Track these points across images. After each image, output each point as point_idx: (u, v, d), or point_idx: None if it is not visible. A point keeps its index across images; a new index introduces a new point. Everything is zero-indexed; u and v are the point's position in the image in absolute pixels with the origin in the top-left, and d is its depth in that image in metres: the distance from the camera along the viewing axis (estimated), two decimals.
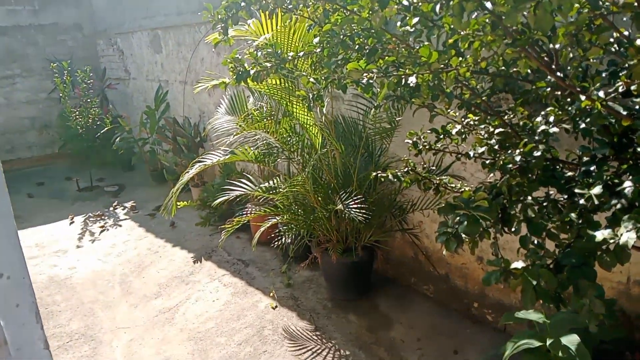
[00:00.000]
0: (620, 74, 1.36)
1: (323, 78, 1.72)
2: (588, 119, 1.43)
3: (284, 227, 3.42)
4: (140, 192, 6.27)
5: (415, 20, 1.51)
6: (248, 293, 3.65)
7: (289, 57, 1.99)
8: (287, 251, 3.88)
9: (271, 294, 3.58)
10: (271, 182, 3.39)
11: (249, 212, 3.70)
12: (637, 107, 1.34)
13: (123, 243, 4.78)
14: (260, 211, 3.40)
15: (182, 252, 4.46)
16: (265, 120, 3.13)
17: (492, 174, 1.86)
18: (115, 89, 7.34)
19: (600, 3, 1.08)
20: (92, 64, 7.59)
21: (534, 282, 1.30)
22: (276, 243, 3.52)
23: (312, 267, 3.75)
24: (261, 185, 3.38)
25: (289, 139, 3.21)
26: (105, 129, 6.34)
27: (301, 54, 1.97)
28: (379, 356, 2.82)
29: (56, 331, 3.36)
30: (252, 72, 2.00)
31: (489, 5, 1.22)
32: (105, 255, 4.54)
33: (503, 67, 1.67)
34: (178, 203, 3.36)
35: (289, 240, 3.53)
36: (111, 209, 5.74)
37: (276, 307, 3.43)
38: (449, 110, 1.94)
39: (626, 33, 1.26)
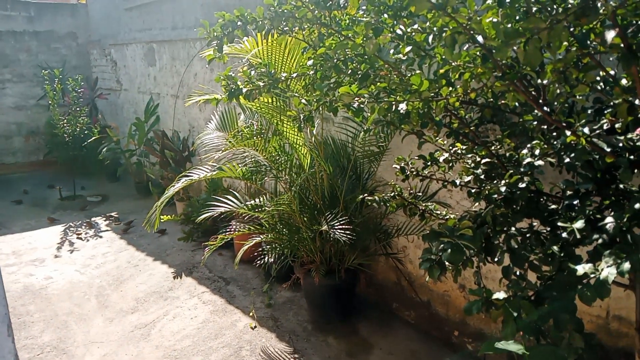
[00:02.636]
0: (605, 112, 1.40)
1: (315, 100, 1.74)
2: (573, 154, 1.46)
3: (268, 246, 3.40)
4: (123, 204, 6.19)
5: (408, 49, 1.54)
6: (227, 312, 3.59)
7: (282, 78, 2.00)
8: (269, 271, 3.84)
9: (251, 314, 3.53)
10: (257, 200, 3.38)
11: (233, 229, 3.67)
12: (620, 144, 1.37)
13: (102, 255, 4.69)
14: (245, 229, 3.38)
15: (162, 267, 4.39)
16: (255, 138, 3.13)
17: (477, 203, 1.88)
18: (106, 99, 7.31)
19: (588, 42, 1.12)
20: (84, 73, 7.58)
21: (515, 314, 1.30)
22: (259, 262, 3.49)
23: (294, 288, 3.71)
24: (247, 203, 3.37)
25: (277, 157, 3.21)
26: (93, 138, 6.29)
27: (294, 75, 1.99)
28: None
29: (27, 342, 3.26)
30: (244, 90, 2.01)
31: (480, 38, 1.25)
32: (84, 267, 4.44)
33: (492, 99, 1.70)
34: (162, 217, 3.32)
35: (272, 260, 3.49)
36: (93, 219, 5.65)
37: (255, 327, 3.38)
38: (437, 138, 1.97)
39: (612, 72, 1.30)
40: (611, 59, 1.82)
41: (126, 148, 6.38)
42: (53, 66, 7.37)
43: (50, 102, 6.40)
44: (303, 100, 1.84)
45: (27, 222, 5.57)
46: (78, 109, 6.42)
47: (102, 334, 3.37)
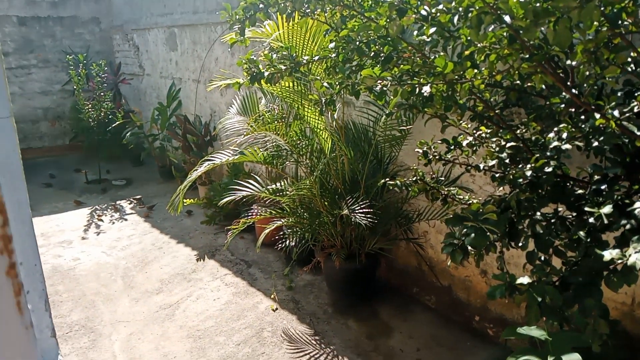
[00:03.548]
0: (636, 94, 1.36)
1: (337, 83, 1.73)
2: (601, 138, 1.43)
3: (289, 230, 3.43)
4: (147, 187, 6.30)
5: (432, 30, 1.51)
6: (249, 294, 3.65)
7: (304, 61, 2.00)
8: (290, 254, 3.88)
9: (272, 296, 3.58)
10: (278, 184, 3.40)
11: (254, 213, 3.70)
12: None
13: (128, 237, 4.80)
14: (266, 213, 3.41)
15: (185, 249, 4.47)
16: (276, 122, 3.14)
17: (501, 188, 1.85)
18: (129, 84, 7.40)
19: (620, 22, 1.08)
20: (107, 58, 7.67)
21: (539, 299, 1.29)
22: (280, 245, 3.52)
23: (314, 271, 3.74)
24: (268, 187, 3.39)
25: (298, 142, 3.22)
26: (117, 123, 6.38)
27: (316, 58, 1.98)
28: None
29: (57, 321, 3.37)
30: (266, 73, 2.01)
31: (507, 19, 1.22)
32: (110, 249, 4.56)
33: (518, 81, 1.66)
34: (185, 200, 3.37)
35: (293, 244, 3.52)
36: (118, 202, 5.77)
37: (277, 309, 3.43)
38: (461, 122, 1.94)
39: None
40: None
41: (149, 133, 6.47)
42: (77, 51, 7.47)
43: (75, 87, 6.50)
44: (325, 84, 1.83)
45: (55, 205, 5.72)
46: (102, 94, 6.51)
47: (128, 314, 3.46)
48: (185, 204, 3.52)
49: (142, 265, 4.19)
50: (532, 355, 2.02)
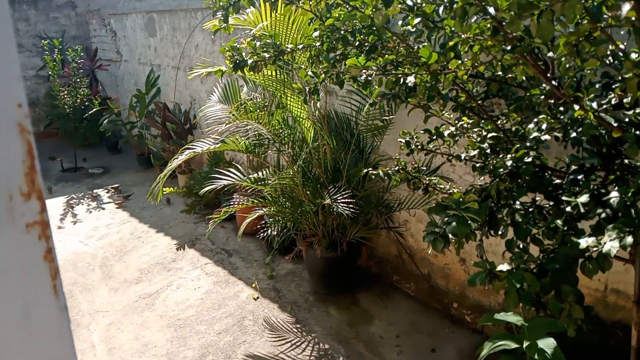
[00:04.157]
0: (614, 86, 1.39)
1: (322, 72, 1.73)
2: (579, 129, 1.46)
3: (271, 219, 3.43)
4: (125, 176, 6.20)
5: (417, 20, 1.52)
6: (230, 283, 3.65)
7: (288, 49, 1.99)
8: (271, 243, 3.88)
9: (253, 285, 3.58)
10: (260, 173, 3.39)
11: (235, 202, 3.69)
12: (627, 119, 1.37)
13: (105, 226, 4.73)
14: (248, 202, 3.40)
15: (165, 239, 4.44)
16: (258, 111, 3.12)
17: (481, 177, 1.89)
18: (106, 70, 7.24)
19: (601, 15, 1.11)
20: (83, 43, 7.48)
21: (518, 285, 1.33)
22: (261, 235, 3.52)
23: (296, 260, 3.76)
24: (250, 176, 3.38)
25: (280, 131, 3.21)
26: (94, 110, 6.25)
27: (300, 46, 1.97)
28: (357, 351, 2.85)
29: None
30: (249, 61, 2.00)
31: (491, 10, 1.24)
32: (87, 238, 4.49)
33: (499, 73, 1.69)
34: (164, 189, 3.34)
35: (275, 233, 3.53)
36: (95, 191, 5.67)
37: (258, 298, 3.44)
38: (443, 112, 1.96)
39: (622, 46, 1.29)
40: (622, 32, 1.81)
41: (127, 120, 6.35)
42: (52, 36, 7.26)
43: (50, 72, 6.33)
44: (309, 72, 1.83)
45: None
46: (78, 80, 6.36)
47: (107, 304, 3.43)
48: (165, 193, 3.49)
49: (120, 255, 4.15)
50: (509, 340, 2.08)
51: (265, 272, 3.77)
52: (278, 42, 2.06)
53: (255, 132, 3.34)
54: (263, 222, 3.55)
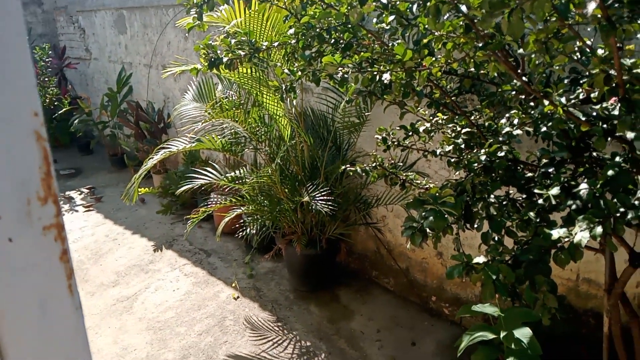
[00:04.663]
0: (581, 82, 1.44)
1: (298, 70, 1.73)
2: (549, 123, 1.50)
3: (249, 218, 3.41)
4: (98, 177, 6.08)
5: (392, 18, 1.54)
6: (209, 283, 3.63)
7: (263, 47, 1.98)
8: (250, 242, 3.87)
9: (233, 285, 3.57)
10: (237, 171, 3.37)
11: (213, 201, 3.66)
12: (594, 113, 1.42)
13: (79, 229, 4.63)
14: (226, 201, 3.38)
15: (141, 240, 4.37)
16: (234, 109, 3.10)
17: (456, 172, 1.92)
18: (75, 69, 7.07)
19: (569, 13, 1.14)
20: (51, 41, 7.28)
21: (494, 277, 1.36)
22: (240, 234, 3.51)
23: (275, 258, 3.76)
24: (227, 175, 3.36)
25: (257, 129, 3.20)
26: (63, 109, 6.10)
27: (276, 44, 1.97)
28: (339, 347, 2.87)
29: None
30: (225, 59, 1.98)
31: (464, 8, 1.26)
32: None
33: (472, 69, 1.72)
34: (140, 189, 3.29)
35: (253, 232, 3.52)
36: (67, 193, 5.54)
37: (238, 297, 3.42)
38: (418, 109, 1.99)
39: (589, 43, 1.33)
40: (588, 29, 1.86)
41: (98, 120, 6.23)
42: None
43: None
44: (286, 70, 1.83)
45: None
46: (46, 79, 6.20)
47: (83, 308, 3.36)
48: (140, 193, 3.44)
49: (96, 258, 4.07)
50: (486, 332, 2.13)
51: (244, 272, 3.75)
52: (253, 40, 2.05)
53: (232, 131, 3.32)
54: (241, 221, 3.54)
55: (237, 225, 3.61)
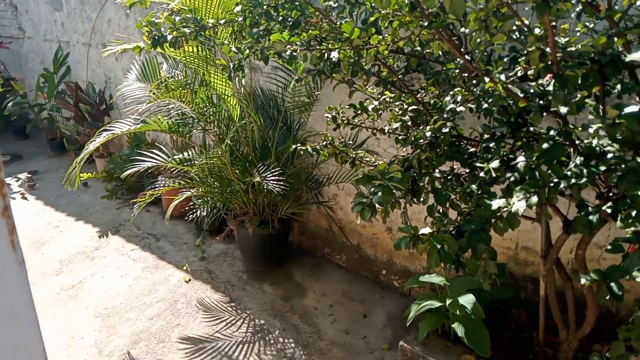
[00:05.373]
0: (520, 60, 1.51)
1: (246, 48, 1.71)
2: (490, 100, 1.57)
3: (199, 200, 3.36)
4: (37, 163, 5.77)
5: None
6: (159, 267, 3.56)
7: (209, 24, 1.94)
8: (201, 225, 3.82)
9: (184, 268, 3.52)
10: (186, 153, 3.30)
11: (160, 184, 3.58)
12: (532, 90, 1.50)
13: (17, 217, 4.39)
14: (174, 184, 3.31)
15: (86, 227, 4.22)
16: (180, 89, 3.02)
17: (404, 149, 1.98)
18: (7, 49, 6.59)
19: None
20: None
21: (439, 246, 1.43)
22: (190, 216, 3.45)
23: (227, 240, 3.73)
24: (175, 157, 3.28)
25: (205, 109, 3.14)
26: None
27: (222, 21, 1.93)
28: (293, 323, 2.92)
29: None
30: (169, 37, 1.92)
31: None
32: None
33: (418, 48, 1.77)
34: (82, 174, 3.16)
35: (204, 214, 3.48)
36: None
37: (190, 280, 3.39)
38: (367, 87, 2.02)
39: (527, 22, 1.40)
40: (526, 9, 1.95)
41: (35, 102, 5.87)
42: None
43: None
44: (233, 48, 1.80)
45: None
46: None
47: None
48: (82, 178, 3.30)
49: (36, 247, 3.89)
50: (433, 300, 2.23)
51: (196, 255, 3.71)
52: (199, 17, 2.00)
53: (179, 111, 3.23)
54: (191, 203, 3.48)
55: (186, 208, 3.55)
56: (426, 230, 1.47)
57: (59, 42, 5.84)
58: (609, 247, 1.28)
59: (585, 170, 1.29)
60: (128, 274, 3.49)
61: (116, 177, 4.57)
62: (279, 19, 1.75)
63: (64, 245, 3.91)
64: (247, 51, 1.73)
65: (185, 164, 3.21)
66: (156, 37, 1.95)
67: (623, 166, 1.19)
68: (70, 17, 5.51)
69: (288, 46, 1.60)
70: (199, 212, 3.42)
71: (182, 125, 3.23)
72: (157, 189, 3.35)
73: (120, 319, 3.01)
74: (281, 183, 2.78)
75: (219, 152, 2.94)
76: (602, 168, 1.30)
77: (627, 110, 1.08)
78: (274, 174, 2.84)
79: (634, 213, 1.25)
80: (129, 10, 4.49)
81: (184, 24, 1.95)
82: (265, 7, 1.73)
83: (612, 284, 1.23)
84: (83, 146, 3.16)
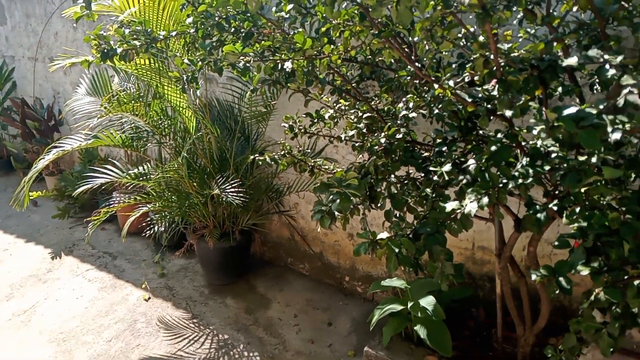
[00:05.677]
0: (467, 66, 1.57)
1: (198, 60, 1.70)
2: (440, 105, 1.63)
3: (157, 216, 3.29)
4: None
5: (290, 6, 1.56)
6: (117, 287, 3.45)
7: (161, 37, 1.91)
8: (160, 240, 3.73)
9: (143, 286, 3.42)
10: (141, 168, 3.22)
11: (115, 201, 3.47)
12: (479, 95, 1.56)
13: None
14: (130, 200, 3.22)
15: (37, 248, 4.03)
16: (133, 102, 2.95)
17: (360, 156, 2.01)
18: None
19: (451, 2, 1.24)
20: None
21: (397, 250, 1.45)
22: (147, 232, 3.37)
23: (187, 255, 3.66)
24: (130, 172, 3.20)
25: (160, 122, 3.08)
26: None
27: (174, 33, 1.91)
28: (257, 336, 2.88)
29: None
30: (119, 50, 1.88)
31: None
32: None
33: (370, 56, 1.80)
34: (31, 194, 3.02)
35: (162, 229, 3.40)
36: None
37: (149, 298, 3.29)
38: (322, 96, 2.04)
39: (472, 30, 1.46)
40: (471, 17, 2.03)
41: None
42: None
43: None
44: (186, 60, 1.78)
45: None
46: None
47: None
48: (32, 198, 3.16)
49: None
50: (395, 304, 2.26)
51: (155, 271, 3.61)
52: (149, 29, 1.97)
53: (132, 125, 3.16)
54: (148, 219, 3.40)
55: (144, 224, 3.46)
56: (384, 234, 1.49)
57: (3, 57, 5.60)
58: (556, 243, 1.34)
59: (531, 170, 1.35)
60: (84, 296, 3.36)
61: (68, 195, 4.40)
62: (232, 30, 1.75)
63: (14, 269, 3.72)
64: (200, 63, 1.72)
65: (141, 178, 3.13)
66: (105, 50, 1.90)
67: (565, 165, 1.26)
68: (15, 31, 5.30)
69: (241, 57, 1.60)
70: (156, 227, 3.34)
71: (136, 139, 3.16)
72: (112, 205, 3.25)
73: (76, 342, 2.89)
74: (241, 194, 2.76)
75: (176, 165, 2.89)
76: (547, 168, 1.36)
77: (565, 112, 1.14)
78: (233, 185, 2.81)
79: (577, 209, 1.31)
80: (76, 23, 4.37)
81: (134, 36, 1.92)
82: (217, 18, 1.73)
83: (561, 279, 1.29)
84: (31, 164, 3.04)
